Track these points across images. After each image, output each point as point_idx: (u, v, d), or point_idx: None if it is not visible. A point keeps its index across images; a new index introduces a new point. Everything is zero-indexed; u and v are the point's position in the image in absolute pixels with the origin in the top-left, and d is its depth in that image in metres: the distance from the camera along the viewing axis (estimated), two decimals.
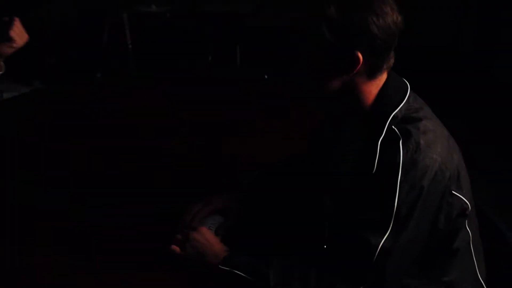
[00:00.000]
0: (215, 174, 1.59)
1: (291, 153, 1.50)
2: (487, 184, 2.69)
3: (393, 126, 1.06)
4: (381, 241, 1.01)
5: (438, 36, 4.25)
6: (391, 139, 1.04)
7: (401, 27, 1.06)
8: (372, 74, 1.08)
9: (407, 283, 1.11)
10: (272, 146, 1.72)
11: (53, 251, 1.26)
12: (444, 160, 1.03)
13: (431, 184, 1.02)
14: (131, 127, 1.89)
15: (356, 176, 1.10)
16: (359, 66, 1.04)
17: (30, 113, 1.99)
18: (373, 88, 1.09)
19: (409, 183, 1.00)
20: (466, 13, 4.20)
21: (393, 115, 1.07)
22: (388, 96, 1.09)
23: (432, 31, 4.22)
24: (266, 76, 2.48)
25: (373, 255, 1.01)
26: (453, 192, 1.06)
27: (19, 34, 1.58)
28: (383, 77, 1.10)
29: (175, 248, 1.20)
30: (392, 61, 1.10)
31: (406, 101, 1.09)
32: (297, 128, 1.47)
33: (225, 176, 1.57)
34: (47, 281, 1.18)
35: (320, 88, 1.11)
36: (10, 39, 1.57)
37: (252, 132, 1.86)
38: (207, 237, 1.22)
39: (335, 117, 1.26)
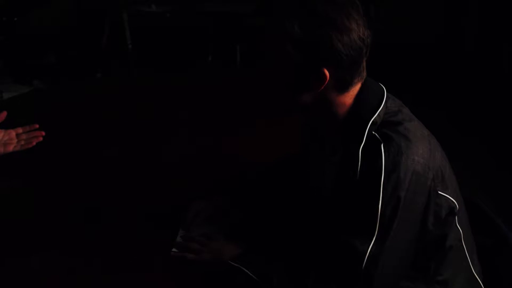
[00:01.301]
0: (215, 174, 1.59)
1: (291, 153, 1.50)
2: (488, 183, 2.69)
3: (373, 132, 1.05)
4: (368, 247, 1.00)
5: (438, 33, 4.26)
6: (372, 144, 1.04)
7: (369, 42, 1.05)
8: (342, 88, 1.07)
9: (401, 285, 1.11)
10: (272, 146, 1.72)
11: (52, 252, 1.26)
12: (426, 161, 1.03)
13: (414, 186, 1.01)
14: (131, 127, 1.89)
15: (339, 185, 1.09)
16: (326, 82, 1.04)
17: (30, 113, 1.99)
18: (347, 99, 1.09)
19: (392, 185, 1.00)
20: (467, 10, 4.21)
21: (372, 121, 1.06)
22: (363, 104, 1.09)
23: (433, 28, 4.23)
24: None
25: (362, 262, 1.01)
26: (439, 192, 1.06)
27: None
28: (356, 87, 1.09)
29: (192, 257, 1.21)
30: (364, 73, 1.09)
31: (383, 106, 1.09)
32: (297, 128, 1.47)
33: (225, 176, 1.57)
34: (47, 283, 1.18)
35: (290, 102, 1.11)
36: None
37: (252, 132, 1.86)
38: (222, 242, 1.23)
39: (313, 127, 1.26)
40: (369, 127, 1.06)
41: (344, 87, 1.07)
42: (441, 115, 3.41)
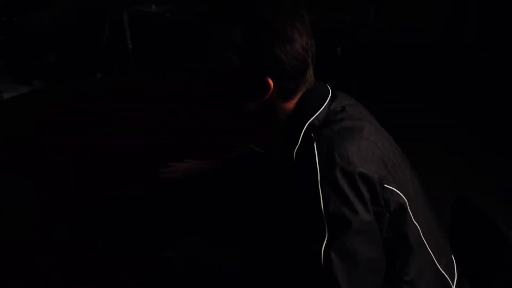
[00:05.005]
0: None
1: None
2: (488, 183, 2.69)
3: (311, 134, 1.05)
4: (321, 247, 0.98)
5: (438, 33, 4.26)
6: (306, 145, 1.04)
7: (314, 51, 1.07)
8: (287, 96, 1.09)
9: None
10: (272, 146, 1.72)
11: (52, 251, 1.26)
12: (362, 156, 1.02)
13: (351, 179, 0.99)
14: (130, 127, 1.89)
15: (279, 188, 1.10)
16: (270, 91, 1.05)
17: (30, 113, 1.99)
18: (291, 105, 1.10)
19: (329, 184, 0.98)
20: (467, 10, 4.21)
21: (309, 124, 1.07)
22: (303, 108, 1.10)
23: (433, 28, 4.24)
24: None
25: (320, 263, 0.98)
26: (385, 186, 1.03)
27: None
28: (301, 94, 1.10)
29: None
30: (311, 79, 1.11)
31: (324, 107, 1.09)
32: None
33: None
34: (47, 282, 1.18)
35: (238, 109, 1.13)
36: None
37: (251, 132, 1.85)
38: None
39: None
40: (306, 128, 1.06)
41: (289, 95, 1.09)
42: (441, 115, 3.42)
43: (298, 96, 1.10)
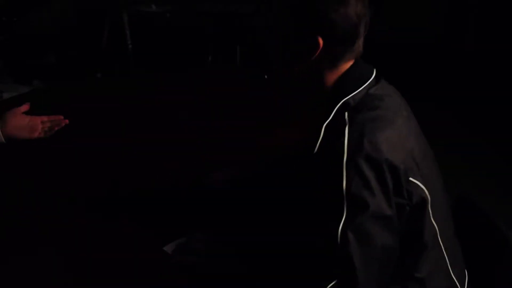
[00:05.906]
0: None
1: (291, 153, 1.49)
2: (488, 183, 2.69)
3: (346, 113, 1.05)
4: (339, 225, 0.98)
5: (438, 33, 4.27)
6: (337, 124, 1.04)
7: (367, 20, 1.08)
8: (333, 62, 1.09)
9: None
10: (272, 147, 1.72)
11: (52, 251, 1.26)
12: (391, 146, 1.02)
13: (374, 169, 1.00)
14: (131, 127, 1.89)
15: (300, 162, 1.10)
16: (319, 51, 1.06)
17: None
18: (334, 76, 1.11)
19: (354, 166, 0.99)
20: (467, 10, 4.21)
21: (344, 101, 1.07)
22: (344, 83, 1.10)
23: (433, 28, 4.24)
24: (266, 76, 2.48)
25: (336, 244, 0.98)
26: (410, 179, 1.03)
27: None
28: (345, 66, 1.11)
29: None
30: (359, 51, 1.11)
31: (363, 89, 1.09)
32: (297, 128, 1.47)
33: (226, 175, 1.57)
34: (44, 281, 1.18)
35: (285, 71, 1.15)
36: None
37: (251, 132, 1.86)
38: None
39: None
40: (340, 106, 1.07)
41: (334, 61, 1.09)
42: (440, 115, 3.42)
43: (342, 67, 1.10)
